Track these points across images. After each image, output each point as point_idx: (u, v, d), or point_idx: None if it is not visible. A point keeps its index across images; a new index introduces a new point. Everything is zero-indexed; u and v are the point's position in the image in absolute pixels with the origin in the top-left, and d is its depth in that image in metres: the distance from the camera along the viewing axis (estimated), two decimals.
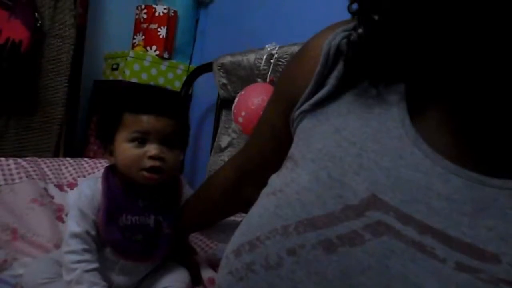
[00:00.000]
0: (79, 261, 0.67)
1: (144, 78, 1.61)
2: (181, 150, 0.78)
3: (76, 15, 1.43)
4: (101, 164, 1.24)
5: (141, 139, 0.70)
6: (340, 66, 0.34)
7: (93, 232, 0.69)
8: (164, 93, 0.83)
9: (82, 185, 0.74)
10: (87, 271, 0.67)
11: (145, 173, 0.70)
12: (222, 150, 1.42)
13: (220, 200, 0.65)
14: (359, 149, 0.30)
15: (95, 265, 0.68)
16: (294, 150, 0.35)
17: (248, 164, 0.52)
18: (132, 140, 0.70)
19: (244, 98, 1.13)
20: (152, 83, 1.64)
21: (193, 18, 1.74)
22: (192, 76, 1.57)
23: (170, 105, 0.75)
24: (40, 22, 1.33)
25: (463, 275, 0.23)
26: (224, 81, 1.37)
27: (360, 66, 0.32)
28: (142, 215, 0.72)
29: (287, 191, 0.31)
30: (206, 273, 0.79)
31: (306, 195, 0.30)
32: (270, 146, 0.43)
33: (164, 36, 1.63)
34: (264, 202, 0.32)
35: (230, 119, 1.34)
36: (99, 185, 0.72)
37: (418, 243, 0.25)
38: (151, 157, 0.70)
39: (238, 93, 1.18)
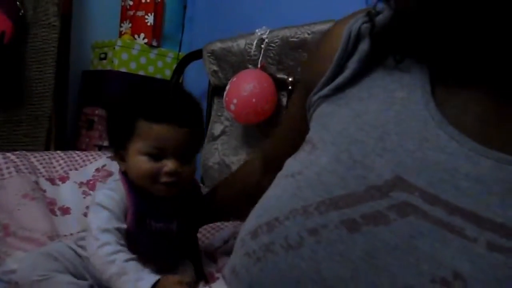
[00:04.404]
0: (116, 252, 0.60)
1: (133, 67, 1.58)
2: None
3: (60, 3, 1.39)
4: (92, 157, 1.22)
5: (157, 154, 0.64)
6: (361, 48, 0.34)
7: (123, 232, 0.64)
8: (183, 96, 0.71)
9: (107, 187, 0.68)
10: (127, 260, 0.60)
11: (160, 187, 0.65)
12: (215, 138, 1.41)
13: (247, 188, 0.64)
14: (381, 132, 0.29)
15: (133, 255, 0.62)
16: (312, 134, 0.34)
17: (273, 152, 0.53)
18: (147, 153, 0.64)
19: (235, 85, 1.11)
20: (141, 72, 1.61)
21: (181, 3, 1.71)
22: (182, 64, 1.54)
23: (191, 112, 0.67)
24: (22, 11, 1.29)
25: (495, 254, 0.23)
26: (215, 68, 1.35)
27: (387, 39, 0.31)
28: (166, 221, 0.69)
29: (306, 173, 0.31)
30: (207, 267, 0.78)
31: (327, 176, 0.29)
32: (292, 134, 0.43)
33: (152, 24, 1.59)
34: (282, 184, 0.32)
35: (223, 106, 1.32)
36: (123, 189, 0.67)
37: (447, 224, 0.24)
38: (167, 173, 0.64)
39: (229, 80, 1.17)
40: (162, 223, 0.68)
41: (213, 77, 1.37)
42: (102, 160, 1.15)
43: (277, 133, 0.52)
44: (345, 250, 0.25)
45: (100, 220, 0.64)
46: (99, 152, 1.25)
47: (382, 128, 0.30)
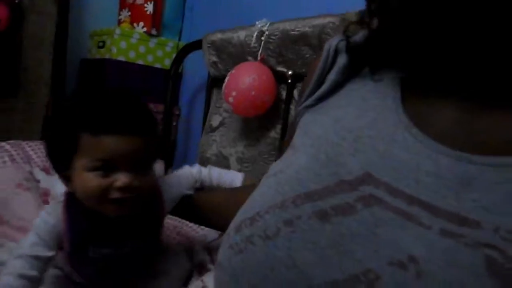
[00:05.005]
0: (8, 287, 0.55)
1: (132, 56, 1.56)
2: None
3: None
4: None
5: (106, 167, 0.56)
6: (339, 62, 0.37)
7: (45, 260, 0.59)
8: (130, 102, 0.61)
9: (45, 210, 0.62)
10: None
11: (110, 207, 0.57)
12: (213, 129, 1.39)
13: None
14: (356, 135, 0.32)
15: None
16: (295, 140, 0.37)
17: None
18: (94, 169, 0.56)
19: (234, 78, 1.09)
20: (140, 61, 1.59)
21: None
22: (182, 54, 1.52)
23: (141, 118, 0.59)
24: None
25: (447, 240, 0.25)
26: (215, 59, 1.33)
27: (362, 54, 0.36)
28: (115, 246, 0.61)
29: (286, 171, 0.33)
30: (198, 257, 0.78)
31: (304, 173, 0.32)
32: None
33: (151, 12, 1.56)
34: (266, 183, 0.34)
35: (222, 98, 1.30)
36: (60, 214, 0.60)
37: (406, 213, 0.26)
38: (119, 188, 0.56)
39: (229, 71, 1.15)
40: (110, 249, 0.61)
41: (212, 68, 1.35)
42: None
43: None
44: (316, 238, 0.28)
45: (23, 245, 0.59)
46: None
47: (357, 131, 0.32)
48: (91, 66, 1.60)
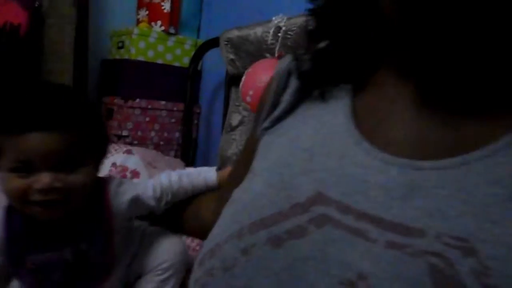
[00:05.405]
0: None
1: (150, 55, 1.55)
2: (95, 164, 0.59)
3: None
4: (115, 150, 1.21)
5: (26, 168, 0.52)
6: (292, 83, 0.38)
7: None
8: (47, 95, 0.56)
9: None
10: None
11: (36, 208, 0.53)
12: (233, 128, 1.37)
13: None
14: (309, 154, 0.32)
15: None
16: (254, 164, 0.37)
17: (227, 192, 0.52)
18: (13, 169, 0.53)
19: (251, 76, 1.06)
20: (159, 60, 1.58)
21: None
22: (200, 52, 1.50)
23: (61, 111, 0.54)
24: (38, 2, 1.27)
25: (392, 251, 0.24)
26: (232, 56, 1.29)
27: (310, 76, 0.36)
28: (54, 250, 0.57)
29: (243, 198, 0.34)
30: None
31: (259, 199, 0.32)
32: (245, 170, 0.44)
33: (169, 10, 1.55)
34: (225, 211, 0.34)
35: (240, 96, 1.27)
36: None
37: (354, 229, 0.26)
38: (40, 190, 0.52)
39: (246, 69, 1.11)
40: (49, 254, 0.57)
41: (230, 66, 1.32)
42: (119, 156, 1.14)
43: (232, 172, 0.52)
44: (271, 264, 0.27)
45: None
46: (117, 146, 1.24)
47: (310, 150, 0.32)
48: (112, 66, 1.61)
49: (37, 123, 0.52)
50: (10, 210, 0.58)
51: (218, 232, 0.32)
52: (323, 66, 0.36)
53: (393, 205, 0.26)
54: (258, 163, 0.37)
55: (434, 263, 0.23)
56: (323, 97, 0.36)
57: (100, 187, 0.61)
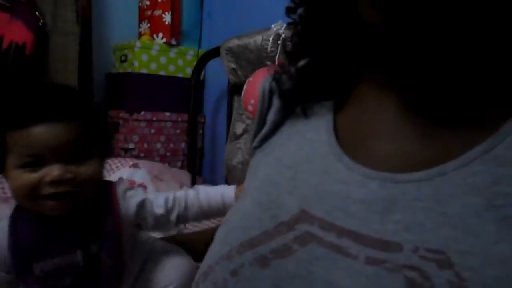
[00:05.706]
0: None
1: (153, 68, 1.57)
2: (101, 158, 0.59)
3: (78, 9, 1.39)
4: (121, 164, 1.22)
5: (36, 162, 0.52)
6: (275, 102, 0.38)
7: None
8: (49, 88, 0.58)
9: None
10: None
11: (46, 203, 0.53)
12: (237, 137, 1.37)
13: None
14: (293, 172, 0.33)
15: None
16: (245, 183, 0.38)
17: None
18: (23, 165, 0.52)
19: (252, 85, 1.06)
20: (162, 72, 1.60)
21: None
22: (202, 62, 1.51)
23: (65, 102, 0.54)
24: (42, 21, 1.30)
25: (371, 267, 0.24)
26: (233, 65, 1.30)
27: (291, 94, 0.37)
28: (64, 254, 0.56)
29: (232, 219, 0.34)
30: None
31: (247, 219, 0.32)
32: None
33: (170, 22, 1.57)
34: (218, 233, 0.35)
35: (242, 105, 1.28)
36: (7, 229, 0.56)
37: (336, 246, 0.26)
38: (51, 182, 0.52)
39: (248, 77, 1.12)
40: (59, 258, 0.56)
41: (231, 75, 1.33)
42: (125, 170, 1.15)
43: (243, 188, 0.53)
44: (259, 285, 0.27)
45: None
46: (123, 160, 1.26)
47: (295, 168, 0.33)
48: (116, 80, 1.63)
49: (43, 115, 0.52)
50: (16, 218, 0.57)
51: (211, 253, 0.33)
52: (303, 84, 0.36)
53: (373, 220, 0.26)
54: (248, 183, 0.37)
55: (411, 277, 0.23)
56: (305, 113, 0.36)
57: (108, 189, 0.60)
